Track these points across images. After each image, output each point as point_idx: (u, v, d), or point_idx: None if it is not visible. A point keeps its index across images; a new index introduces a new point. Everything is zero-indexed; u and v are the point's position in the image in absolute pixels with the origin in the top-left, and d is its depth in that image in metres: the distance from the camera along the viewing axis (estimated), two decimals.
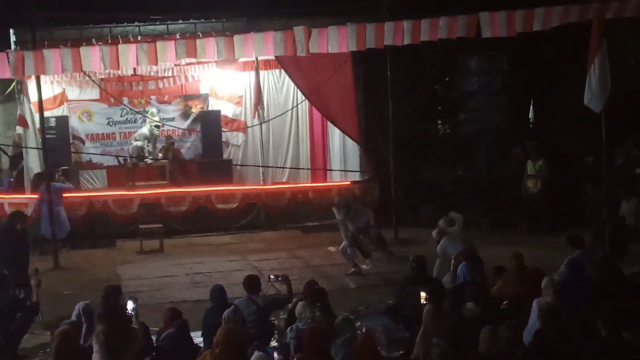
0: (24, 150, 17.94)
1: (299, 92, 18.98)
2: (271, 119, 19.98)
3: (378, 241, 14.53)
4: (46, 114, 16.94)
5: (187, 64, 19.58)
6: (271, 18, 17.90)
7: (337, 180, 19.43)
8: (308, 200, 18.72)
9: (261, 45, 12.02)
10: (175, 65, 19.29)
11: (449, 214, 12.77)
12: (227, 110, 20.93)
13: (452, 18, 11.84)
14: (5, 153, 19.61)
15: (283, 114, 20.02)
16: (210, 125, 20.33)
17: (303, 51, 11.95)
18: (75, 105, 20.46)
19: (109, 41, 16.88)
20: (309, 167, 20.39)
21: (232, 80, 20.80)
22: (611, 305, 8.24)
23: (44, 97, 16.10)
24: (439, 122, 21.08)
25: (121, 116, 20.70)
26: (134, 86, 20.56)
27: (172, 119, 20.84)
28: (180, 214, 18.14)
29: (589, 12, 11.71)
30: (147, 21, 17.65)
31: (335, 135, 19.85)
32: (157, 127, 19.65)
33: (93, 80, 19.28)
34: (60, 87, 20.14)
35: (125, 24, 17.68)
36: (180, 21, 17.98)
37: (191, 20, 18.01)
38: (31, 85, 17.10)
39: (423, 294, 9.06)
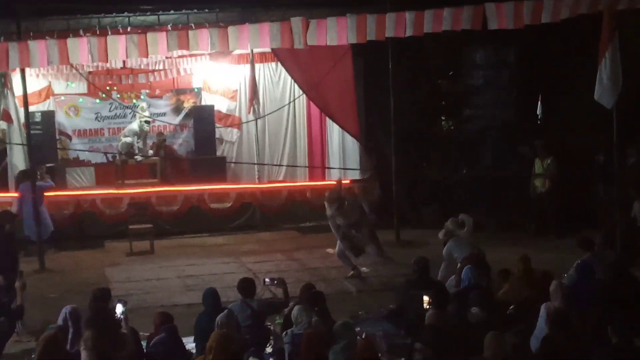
0: (7, 146, 17.93)
1: (296, 87, 18.98)
2: (267, 115, 19.97)
3: (372, 233, 14.35)
4: (31, 108, 16.94)
5: (179, 57, 19.55)
6: (267, 8, 17.86)
7: (335, 178, 19.38)
8: (305, 199, 18.73)
9: (257, 37, 12.02)
10: (167, 57, 19.27)
11: (459, 215, 12.72)
12: (221, 105, 20.92)
13: (457, 9, 11.84)
14: None
15: (279, 109, 20.01)
16: (203, 120, 20.32)
17: (301, 43, 11.95)
18: (61, 100, 20.44)
19: (97, 32, 16.87)
20: (307, 165, 20.40)
21: (226, 74, 20.79)
22: (622, 310, 8.25)
23: (29, 91, 16.06)
24: (443, 118, 21.07)
25: (110, 111, 20.68)
26: (123, 80, 20.52)
27: (163, 114, 20.83)
28: (171, 213, 18.15)
29: (599, 4, 11.73)
30: (137, 11, 17.61)
31: (334, 131, 19.85)
32: (148, 122, 19.62)
33: (80, 74, 19.27)
34: (46, 81, 20.11)
35: (115, 14, 17.63)
36: (172, 11, 17.94)
37: (183, 11, 17.97)
38: (15, 78, 17.11)
39: (426, 298, 9.06)
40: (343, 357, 8.08)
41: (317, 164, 20.25)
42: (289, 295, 10.03)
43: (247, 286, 9.72)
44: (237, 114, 20.99)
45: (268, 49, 17.20)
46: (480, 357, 7.58)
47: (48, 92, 20.24)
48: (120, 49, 11.84)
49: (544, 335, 8.05)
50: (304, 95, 18.80)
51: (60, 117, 20.34)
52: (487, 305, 9.72)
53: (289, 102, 20.25)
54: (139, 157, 19.23)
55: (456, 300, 9.83)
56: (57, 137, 20.11)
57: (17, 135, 17.68)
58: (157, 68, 20.30)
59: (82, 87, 20.44)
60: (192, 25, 17.06)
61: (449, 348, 7.97)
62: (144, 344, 9.07)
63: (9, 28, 16.23)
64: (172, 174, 19.77)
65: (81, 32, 16.95)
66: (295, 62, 17.59)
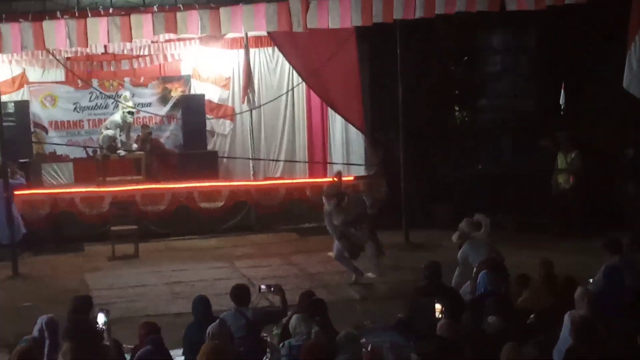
0: None
1: (295, 74, 18.97)
2: (263, 105, 19.98)
3: (372, 230, 14.27)
4: (3, 98, 16.95)
5: (166, 41, 19.55)
6: None
7: (335, 172, 19.41)
8: (305, 198, 18.73)
9: (251, 19, 12.04)
10: (153, 42, 19.26)
11: (474, 215, 12.70)
12: (212, 94, 20.91)
13: None
14: None
15: (277, 98, 20.02)
16: (192, 111, 20.31)
17: (300, 26, 11.96)
18: (37, 89, 20.43)
19: (76, 14, 16.78)
20: (307, 160, 20.39)
21: (218, 60, 20.79)
22: None
23: (0, 79, 16.08)
24: (456, 108, 21.08)
25: (90, 101, 20.67)
26: (104, 66, 20.52)
27: (149, 105, 20.83)
28: (157, 213, 18.15)
29: None
30: None
31: (336, 123, 19.85)
32: (131, 113, 19.60)
33: (58, 60, 19.25)
34: (19, 68, 20.10)
35: None
36: None
37: None
38: None
39: (438, 307, 9.04)
40: None
41: (318, 159, 20.24)
42: (287, 303, 10.01)
43: (241, 293, 9.71)
44: (230, 104, 20.99)
45: (264, 33, 17.20)
46: None
47: (22, 80, 20.24)
48: (101, 33, 11.86)
49: (568, 347, 8.03)
50: (304, 83, 18.79)
51: (36, 108, 20.33)
52: (505, 314, 9.70)
53: (287, 91, 20.25)
54: (122, 152, 19.21)
55: (471, 308, 9.82)
56: (32, 129, 20.09)
57: None
58: (141, 54, 20.29)
59: (59, 74, 20.44)
60: (181, 6, 16.91)
61: None
62: (127, 357, 9.06)
63: None
64: (158, 170, 19.77)
65: (58, 14, 16.87)
66: (293, 46, 17.58)
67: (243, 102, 20.21)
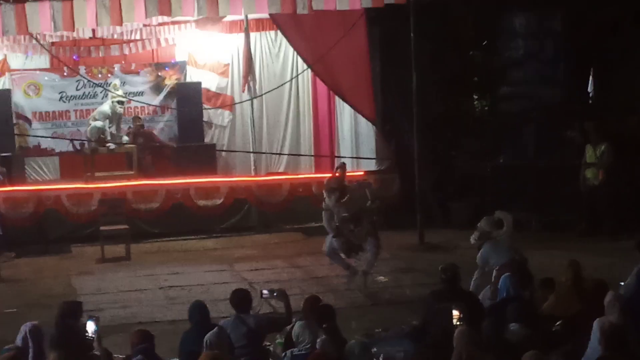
0: None
1: (300, 60, 18.97)
2: (265, 94, 19.98)
3: (373, 227, 14.21)
4: None
5: (160, 24, 19.59)
6: None
7: (347, 169, 19.41)
8: (311, 195, 18.69)
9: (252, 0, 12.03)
10: (145, 25, 19.29)
11: (495, 213, 12.69)
12: (210, 82, 20.94)
13: None
14: None
15: (280, 86, 20.02)
16: (188, 101, 20.34)
17: (305, 8, 11.96)
18: (19, 76, 20.48)
19: None
20: (312, 154, 20.40)
21: (216, 45, 20.81)
22: None
23: None
24: (475, 97, 21.07)
25: (77, 90, 20.72)
26: (92, 52, 20.56)
27: (141, 94, 20.87)
28: (151, 212, 18.15)
29: None
30: None
31: (344, 113, 19.85)
32: (121, 103, 19.60)
33: (42, 45, 19.27)
34: (0, 54, 20.15)
35: None
36: None
37: None
38: None
39: (456, 313, 9.05)
40: None
41: (325, 152, 20.26)
42: (291, 309, 10.01)
43: (241, 299, 9.72)
44: (228, 93, 21.02)
45: (266, 15, 17.20)
46: None
47: (3, 67, 20.30)
48: (89, 16, 11.87)
49: (598, 356, 8.04)
50: (309, 70, 18.80)
51: (18, 97, 20.38)
52: (528, 320, 9.71)
53: (291, 79, 20.26)
54: (111, 145, 19.23)
55: (492, 314, 9.82)
56: (14, 121, 20.16)
57: None
58: (133, 38, 20.33)
59: (43, 61, 20.47)
60: None
61: None
62: None
63: None
64: (151, 164, 19.81)
65: None
66: (298, 30, 17.59)
67: (243, 91, 20.23)
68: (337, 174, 14.87)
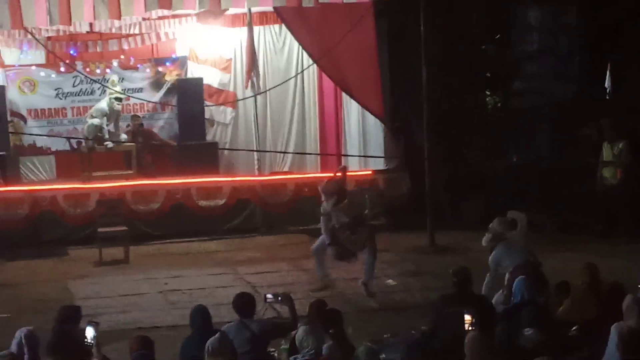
0: None
1: (305, 55, 18.97)
2: (269, 90, 19.97)
3: (371, 235, 14.15)
4: None
5: (159, 18, 19.58)
6: None
7: (354, 168, 19.42)
8: (317, 195, 18.58)
9: None
10: (144, 19, 19.29)
11: (508, 213, 12.68)
12: (212, 78, 20.93)
13: None
14: None
15: (284, 82, 20.02)
16: (189, 97, 20.31)
17: (311, 1, 11.98)
18: (14, 72, 20.46)
19: None
20: (318, 152, 20.39)
21: (218, 40, 20.79)
22: None
23: None
24: (488, 93, 21.06)
25: (74, 86, 20.70)
26: (90, 47, 20.54)
27: (140, 90, 20.85)
28: (150, 213, 18.15)
29: None
30: None
31: (352, 110, 19.85)
32: (119, 99, 19.59)
33: (37, 40, 19.26)
34: None
35: None
36: None
37: None
38: None
39: (467, 318, 9.05)
40: None
41: (331, 151, 20.24)
42: (296, 314, 10.01)
43: (244, 303, 9.72)
44: (231, 89, 21.01)
45: (270, 8, 17.20)
46: None
47: None
48: (86, 9, 11.89)
49: None
50: (315, 65, 18.79)
51: (13, 94, 20.36)
52: (543, 326, 9.71)
53: (296, 74, 20.25)
54: (109, 144, 19.24)
55: (505, 319, 9.82)
56: (9, 118, 20.13)
57: None
58: (131, 32, 20.30)
59: (39, 56, 20.46)
60: None
61: None
62: None
63: None
64: (151, 164, 19.80)
65: None
66: (303, 24, 17.59)
67: (246, 87, 20.21)
68: (337, 175, 14.83)
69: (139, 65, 21.01)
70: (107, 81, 19.98)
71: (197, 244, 17.84)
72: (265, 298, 10.34)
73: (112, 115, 19.52)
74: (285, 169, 20.49)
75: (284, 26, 19.20)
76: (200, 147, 19.93)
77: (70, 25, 15.86)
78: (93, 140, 19.01)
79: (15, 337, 8.90)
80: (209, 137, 20.61)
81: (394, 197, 17.95)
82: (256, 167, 20.21)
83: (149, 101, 20.82)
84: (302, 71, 20.05)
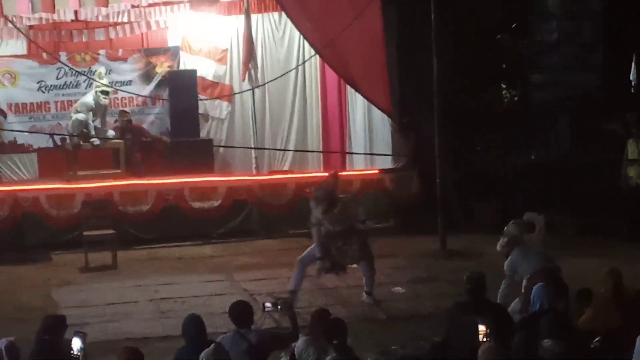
0: None
1: (307, 45, 18.99)
2: (268, 83, 19.99)
3: (364, 247, 14.08)
4: None
5: (150, 5, 19.60)
6: None
7: (359, 167, 19.45)
8: None
9: None
10: (133, 6, 19.31)
11: (524, 215, 12.68)
12: (206, 69, 20.96)
13: None
14: None
15: (284, 74, 20.04)
16: (181, 91, 20.34)
17: None
18: None
19: None
20: (321, 150, 20.41)
21: (213, 28, 20.82)
22: None
23: None
24: (504, 85, 21.08)
25: (57, 78, 20.73)
26: (75, 36, 20.57)
27: (129, 83, 20.88)
28: (140, 215, 18.18)
29: None
30: None
31: (357, 104, 19.88)
32: (105, 93, 19.59)
33: (18, 29, 19.27)
34: None
35: None
36: None
37: None
38: None
39: (482, 327, 9.06)
40: None
41: (335, 149, 20.28)
42: (297, 324, 10.02)
43: (241, 312, 9.72)
44: (227, 82, 21.05)
45: None
46: None
47: None
48: None
49: None
50: (317, 56, 18.81)
51: None
52: (564, 335, 9.72)
53: (297, 66, 20.28)
54: (96, 140, 19.27)
55: (523, 329, 9.83)
56: None
57: None
58: (120, 21, 20.32)
59: (20, 46, 20.49)
60: None
61: None
62: None
63: None
64: (140, 162, 19.83)
65: None
66: (305, 11, 17.61)
67: (243, 80, 20.25)
68: (328, 178, 14.73)
69: (127, 56, 21.04)
70: (94, 73, 20.00)
71: (190, 249, 17.86)
72: (264, 307, 10.34)
73: (98, 110, 19.55)
74: (285, 168, 20.51)
75: (283, 14, 19.23)
76: (193, 144, 19.94)
77: (54, 13, 15.88)
78: (78, 137, 19.03)
79: None
80: (203, 134, 20.64)
81: (402, 198, 17.96)
82: (254, 165, 20.25)
83: (139, 95, 20.85)
84: (304, 62, 20.09)
